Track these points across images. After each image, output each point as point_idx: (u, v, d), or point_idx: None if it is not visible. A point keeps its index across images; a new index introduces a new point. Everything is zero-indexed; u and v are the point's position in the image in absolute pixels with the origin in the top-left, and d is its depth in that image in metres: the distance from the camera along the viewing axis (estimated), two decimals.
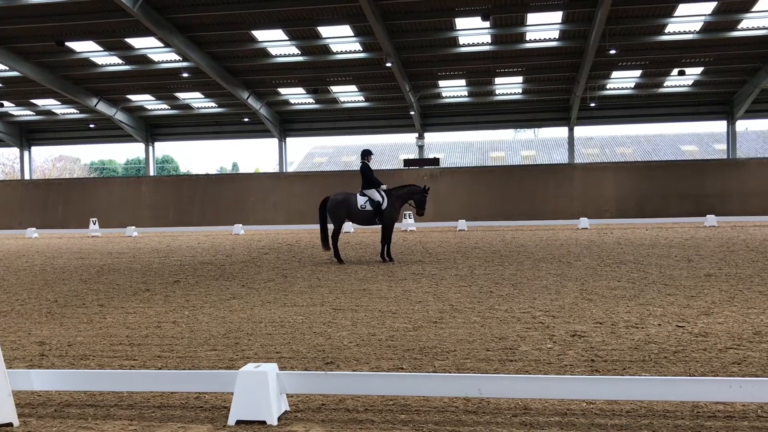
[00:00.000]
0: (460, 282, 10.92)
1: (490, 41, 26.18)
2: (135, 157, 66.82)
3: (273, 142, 37.58)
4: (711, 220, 25.67)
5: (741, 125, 36.39)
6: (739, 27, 24.61)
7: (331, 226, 14.88)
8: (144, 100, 34.31)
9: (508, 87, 32.01)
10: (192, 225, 32.90)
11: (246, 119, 35.71)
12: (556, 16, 24.03)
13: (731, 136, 33.53)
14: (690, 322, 7.25)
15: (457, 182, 32.92)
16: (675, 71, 28.71)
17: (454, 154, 52.30)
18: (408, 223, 27.90)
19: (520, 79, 30.79)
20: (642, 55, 27.28)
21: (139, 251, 19.56)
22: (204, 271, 13.51)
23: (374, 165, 14.93)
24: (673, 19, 23.94)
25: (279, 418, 4.49)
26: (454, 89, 32.42)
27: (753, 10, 23.19)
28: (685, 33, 25.11)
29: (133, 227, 30.15)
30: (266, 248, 19.52)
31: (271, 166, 67.78)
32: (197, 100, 34.18)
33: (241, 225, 29.24)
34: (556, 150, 50.40)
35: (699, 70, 29.20)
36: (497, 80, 30.90)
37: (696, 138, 51.19)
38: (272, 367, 4.56)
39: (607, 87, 31.43)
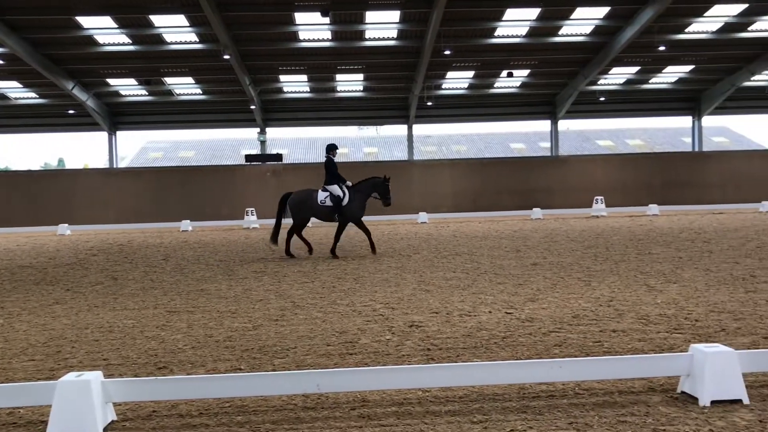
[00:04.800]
0: (302, 278, 10.86)
1: (330, 38, 26.29)
2: None
3: (102, 136, 35.23)
4: (537, 213, 27.54)
5: (563, 125, 39.42)
6: (560, 33, 26.57)
7: (288, 221, 14.60)
8: None
9: (350, 84, 32.34)
10: (11, 225, 30.08)
11: (71, 111, 33.25)
12: (394, 15, 24.60)
13: (554, 135, 36.16)
14: (518, 309, 7.69)
15: (301, 179, 32.64)
16: (504, 73, 30.44)
17: (298, 150, 52.06)
18: (250, 220, 27.35)
19: (360, 76, 31.20)
20: (474, 57, 28.64)
21: None
22: (23, 276, 12.39)
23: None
24: (502, 23, 25.34)
25: (104, 429, 4.20)
26: (295, 84, 32.22)
27: (572, 17, 25.12)
28: (513, 36, 26.69)
29: None
30: (95, 249, 18.29)
31: (101, 161, 63.72)
32: (14, 90, 31.27)
33: (66, 225, 27.20)
34: (397, 147, 51.73)
35: (526, 72, 31.18)
36: (338, 77, 31.10)
37: (524, 137, 54.66)
38: (96, 375, 4.29)
39: (443, 87, 32.67)
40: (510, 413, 4.30)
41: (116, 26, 24.61)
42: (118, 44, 26.27)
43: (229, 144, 52.95)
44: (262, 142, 35.42)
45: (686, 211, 28.27)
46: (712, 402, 4.33)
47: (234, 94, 31.87)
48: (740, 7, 24.60)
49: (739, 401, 4.36)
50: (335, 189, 14.20)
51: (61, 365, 5.80)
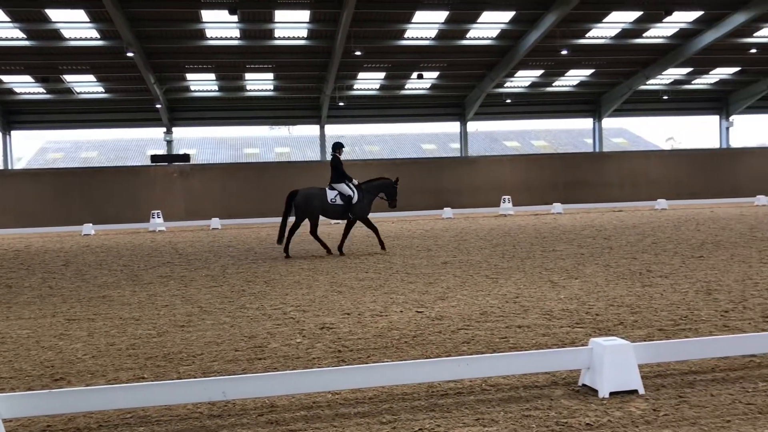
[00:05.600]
0: (210, 282, 10.60)
1: (238, 36, 25.82)
2: None
3: None
4: (448, 212, 28.01)
5: (472, 126, 40.13)
6: (468, 36, 27.14)
7: (291, 219, 14.11)
8: None
9: (260, 83, 31.89)
10: None
11: None
12: (304, 14, 24.41)
13: (464, 136, 36.91)
14: (428, 307, 7.77)
15: (209, 179, 32.00)
16: (414, 75, 30.80)
17: (206, 150, 50.84)
18: (156, 223, 26.46)
19: (270, 75, 30.82)
20: (385, 58, 28.84)
21: None
22: None
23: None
24: (411, 25, 25.64)
25: None
26: (203, 83, 31.48)
27: (478, 21, 25.71)
28: (422, 39, 27.04)
29: None
30: None
31: None
32: None
33: None
34: (310, 147, 51.40)
35: (435, 74, 31.66)
36: (248, 76, 30.61)
37: (434, 137, 55.49)
38: None
39: (355, 87, 32.73)
40: (419, 412, 4.33)
41: (8, 20, 23.27)
42: (11, 39, 24.86)
43: (134, 144, 51.08)
44: (169, 142, 34.40)
45: (588, 209, 29.48)
46: (611, 393, 4.51)
47: (138, 92, 30.79)
48: (635, 15, 25.89)
49: (635, 392, 4.56)
50: (344, 188, 14.07)
51: None
